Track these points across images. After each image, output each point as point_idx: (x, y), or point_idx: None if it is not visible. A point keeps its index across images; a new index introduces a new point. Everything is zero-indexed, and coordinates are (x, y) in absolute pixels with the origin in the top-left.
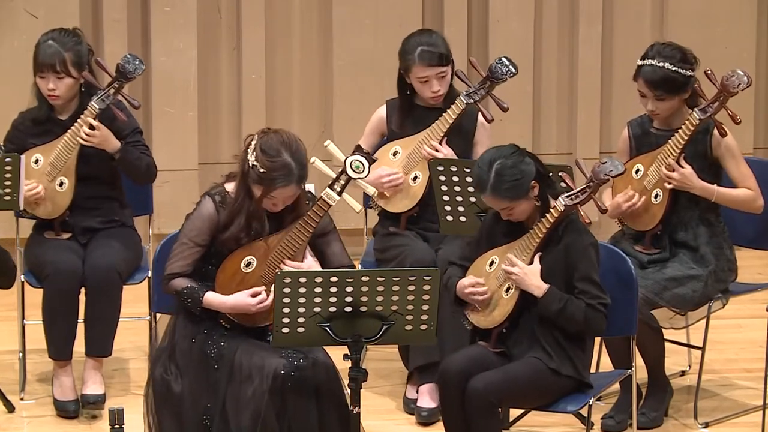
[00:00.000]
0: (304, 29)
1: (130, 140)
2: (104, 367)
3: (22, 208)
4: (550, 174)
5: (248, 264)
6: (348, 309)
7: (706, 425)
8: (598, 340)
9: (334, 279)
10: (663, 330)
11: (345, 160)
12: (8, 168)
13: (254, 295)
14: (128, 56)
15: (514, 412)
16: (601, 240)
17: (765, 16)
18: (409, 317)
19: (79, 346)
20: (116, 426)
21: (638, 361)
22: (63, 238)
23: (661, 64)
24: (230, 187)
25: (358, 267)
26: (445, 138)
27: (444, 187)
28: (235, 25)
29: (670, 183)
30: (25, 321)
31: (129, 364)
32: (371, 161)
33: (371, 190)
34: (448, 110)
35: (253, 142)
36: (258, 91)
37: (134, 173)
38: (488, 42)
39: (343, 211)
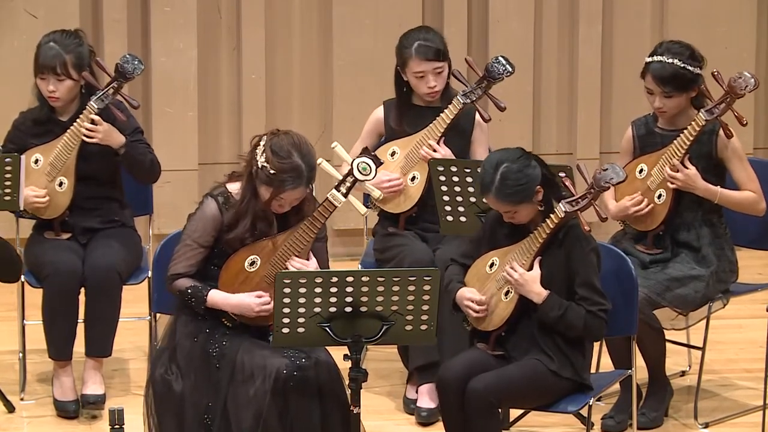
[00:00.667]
0: (304, 29)
1: (132, 140)
2: (104, 367)
3: (22, 209)
4: (555, 176)
5: (252, 263)
6: (348, 309)
7: (706, 425)
8: None
9: (334, 279)
10: (664, 330)
11: (352, 162)
12: (8, 168)
13: (258, 297)
14: (127, 56)
15: (514, 413)
16: (601, 240)
17: (765, 16)
18: (409, 317)
19: (79, 346)
20: (116, 426)
21: (638, 362)
22: (63, 238)
23: (671, 60)
24: (232, 187)
25: (358, 267)
26: (443, 138)
27: (444, 187)
28: (235, 25)
29: (673, 183)
30: (25, 321)
31: (129, 365)
32: (378, 163)
33: (377, 194)
34: (445, 110)
35: (262, 143)
36: (258, 91)
37: (138, 169)
38: (488, 42)
39: (343, 211)
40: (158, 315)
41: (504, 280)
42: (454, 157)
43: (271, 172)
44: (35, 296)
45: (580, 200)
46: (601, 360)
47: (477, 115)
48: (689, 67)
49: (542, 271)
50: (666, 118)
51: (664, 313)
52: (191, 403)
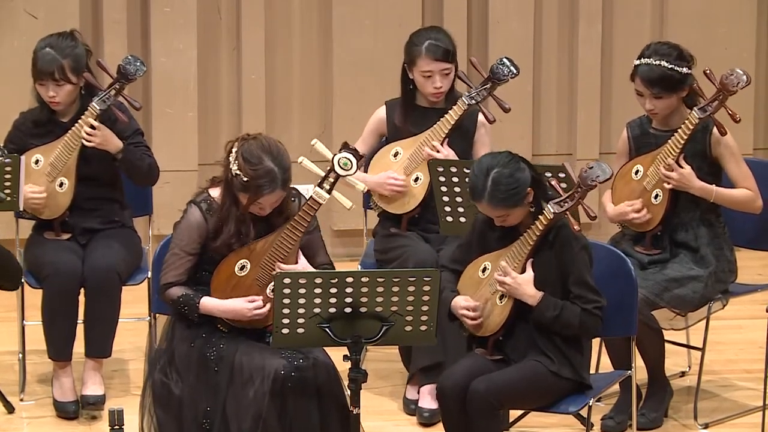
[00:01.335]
0: (304, 29)
1: (132, 142)
2: (104, 367)
3: (21, 209)
4: (542, 176)
5: (242, 267)
6: (348, 310)
7: (706, 426)
8: (597, 340)
9: (334, 280)
10: (663, 331)
11: (332, 158)
12: (8, 169)
13: (251, 302)
14: (129, 57)
15: (515, 413)
16: (600, 240)
17: (765, 16)
18: (409, 318)
19: (79, 346)
20: (116, 427)
21: (638, 362)
22: (63, 238)
23: (658, 62)
24: (215, 192)
25: (358, 268)
26: (446, 139)
27: (444, 188)
28: (234, 25)
29: (669, 183)
30: (24, 322)
31: (129, 365)
32: (359, 157)
33: (361, 186)
34: (450, 111)
35: (234, 150)
36: (258, 92)
37: (136, 174)
38: (488, 42)
39: (342, 211)
40: (158, 316)
41: (497, 284)
42: (457, 158)
43: (245, 179)
44: (35, 297)
45: (568, 200)
46: (601, 360)
47: (480, 116)
48: (677, 68)
49: (535, 272)
50: (658, 119)
51: (663, 313)
52: (190, 407)
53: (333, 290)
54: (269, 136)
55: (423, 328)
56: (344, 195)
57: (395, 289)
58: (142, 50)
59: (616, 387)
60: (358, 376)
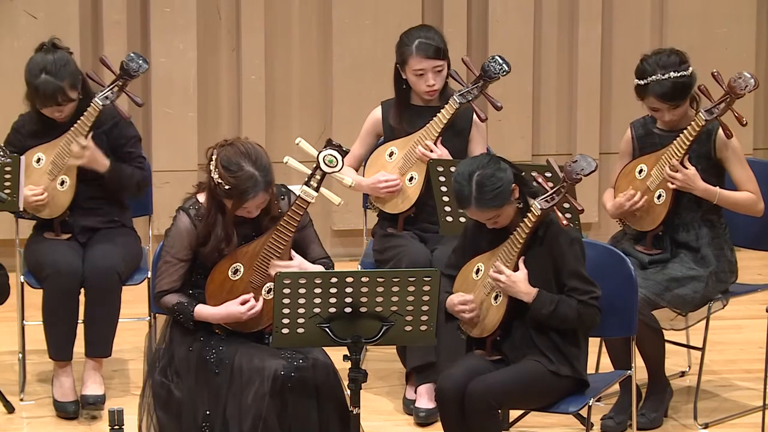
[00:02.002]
0: (304, 30)
1: (128, 149)
2: (104, 367)
3: (21, 209)
4: (523, 173)
5: (236, 271)
6: (348, 310)
7: (706, 426)
8: (597, 340)
9: (333, 280)
10: (663, 331)
11: (318, 155)
12: (8, 169)
13: (243, 303)
14: (132, 54)
15: (514, 413)
16: (601, 240)
17: (765, 16)
18: (409, 318)
19: (79, 346)
20: (116, 427)
21: (638, 362)
22: (63, 238)
23: (666, 75)
24: (203, 197)
25: (358, 268)
26: (440, 138)
27: (443, 188)
28: (234, 26)
29: (673, 183)
30: (24, 321)
31: (129, 365)
32: (343, 153)
33: (348, 181)
34: (442, 110)
35: (213, 158)
36: (258, 92)
37: (122, 192)
38: (488, 42)
39: (342, 211)
40: (157, 316)
41: (492, 284)
42: (450, 157)
43: (227, 187)
44: (35, 296)
45: (555, 195)
46: (601, 360)
47: (474, 115)
48: (685, 72)
49: (528, 269)
50: (674, 125)
51: (663, 313)
52: (189, 410)
53: (333, 290)
54: (247, 139)
55: (423, 328)
56: (333, 191)
57: (395, 289)
58: (142, 50)
59: (616, 387)
60: (358, 376)
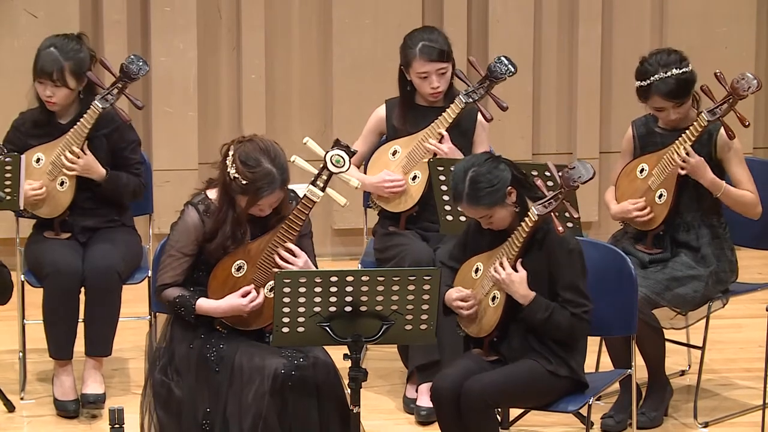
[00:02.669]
0: (304, 30)
1: (127, 154)
2: (104, 366)
3: (22, 208)
4: (527, 176)
5: (239, 268)
6: (348, 309)
7: (706, 425)
8: (597, 339)
9: (334, 279)
10: (663, 330)
11: (325, 155)
12: (8, 168)
13: (244, 295)
14: (132, 57)
15: (514, 412)
16: (601, 239)
17: (765, 16)
18: (409, 317)
19: (79, 345)
20: (116, 426)
21: (638, 361)
22: (63, 237)
23: (668, 73)
24: (212, 194)
25: (358, 267)
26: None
27: (444, 187)
28: (234, 25)
29: (684, 169)
30: (25, 321)
31: (129, 364)
32: (351, 154)
33: (355, 183)
34: (447, 109)
35: (231, 153)
36: (258, 92)
37: (117, 199)
38: (488, 42)
39: (342, 210)
40: (158, 314)
41: (490, 282)
42: (459, 152)
43: (244, 182)
44: (35, 296)
45: (552, 201)
46: (601, 359)
47: (479, 115)
48: (685, 70)
49: (526, 271)
50: (677, 124)
51: (663, 312)
52: (190, 409)
53: (333, 289)
54: (264, 137)
55: (423, 327)
56: (339, 192)
57: (395, 288)
58: (142, 50)
59: (616, 386)
60: (359, 375)
